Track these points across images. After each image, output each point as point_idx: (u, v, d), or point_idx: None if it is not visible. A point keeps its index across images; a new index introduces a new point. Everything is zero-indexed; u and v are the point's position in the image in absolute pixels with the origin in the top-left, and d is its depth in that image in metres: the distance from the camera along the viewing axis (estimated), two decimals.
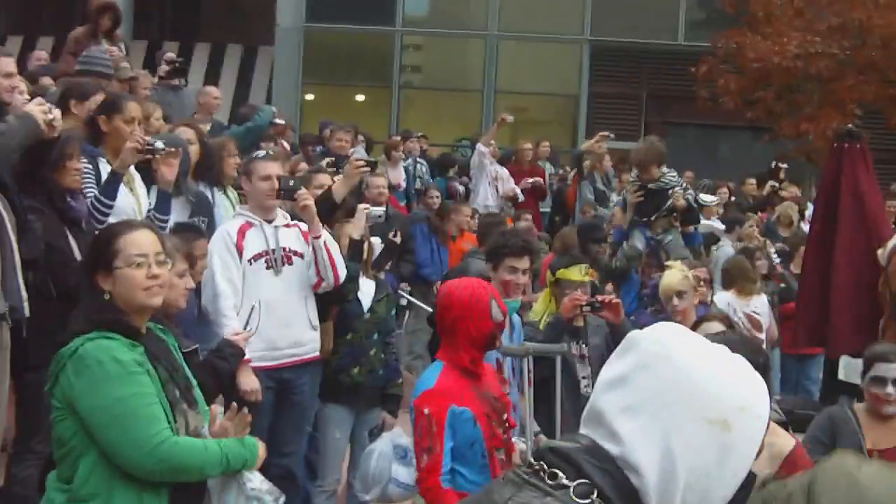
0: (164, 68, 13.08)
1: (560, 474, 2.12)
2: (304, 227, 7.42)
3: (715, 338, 5.05)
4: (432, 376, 5.43)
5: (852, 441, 5.57)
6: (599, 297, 7.41)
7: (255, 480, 5.14)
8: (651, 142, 11.46)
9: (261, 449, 4.62)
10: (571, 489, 2.10)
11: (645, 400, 2.15)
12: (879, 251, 8.78)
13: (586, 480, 2.11)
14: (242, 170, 7.72)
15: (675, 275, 8.06)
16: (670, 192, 10.88)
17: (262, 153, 7.88)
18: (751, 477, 2.18)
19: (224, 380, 6.03)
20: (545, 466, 2.14)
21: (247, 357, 6.76)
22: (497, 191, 15.61)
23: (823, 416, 5.93)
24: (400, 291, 11.15)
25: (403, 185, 15.49)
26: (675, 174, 11.39)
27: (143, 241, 4.39)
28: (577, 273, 7.66)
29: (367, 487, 6.89)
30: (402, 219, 12.16)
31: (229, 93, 23.82)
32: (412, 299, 11.52)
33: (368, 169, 8.50)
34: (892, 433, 5.63)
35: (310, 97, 25.83)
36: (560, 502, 2.10)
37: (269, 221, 7.34)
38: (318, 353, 7.46)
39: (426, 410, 5.24)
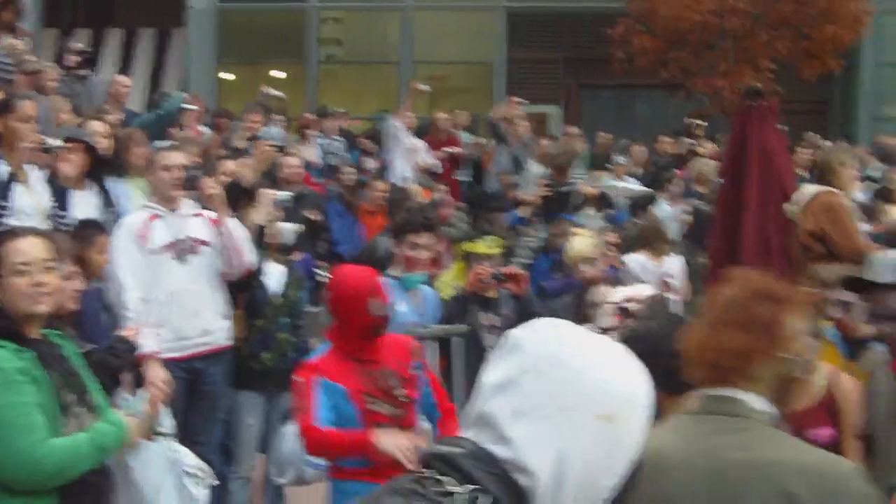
0: (72, 59, 12.98)
1: (446, 481, 2.10)
2: (210, 215, 7.42)
3: (646, 300, 5.10)
4: (317, 353, 5.58)
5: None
6: (503, 270, 7.48)
7: (191, 460, 5.28)
8: (568, 146, 11.48)
9: (131, 421, 4.69)
10: (460, 496, 2.08)
11: (536, 403, 2.15)
12: (792, 200, 8.92)
13: (474, 486, 2.09)
14: (147, 161, 7.69)
15: (583, 241, 8.10)
16: (573, 193, 10.97)
17: (164, 144, 7.83)
18: (636, 464, 2.21)
19: (116, 376, 6.03)
20: (431, 474, 2.12)
21: (154, 350, 6.78)
22: (414, 163, 15.62)
23: None
24: (316, 270, 11.16)
25: (320, 162, 15.43)
26: (583, 173, 11.56)
27: (27, 249, 4.38)
28: (485, 245, 7.72)
29: (283, 471, 6.93)
30: (317, 197, 12.16)
31: (145, 78, 23.61)
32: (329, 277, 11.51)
33: (277, 153, 8.51)
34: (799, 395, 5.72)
35: (227, 76, 25.63)
36: None
37: (175, 211, 7.32)
38: (229, 342, 7.46)
39: (300, 379, 5.39)
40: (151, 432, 5.54)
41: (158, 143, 8.16)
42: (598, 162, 17.48)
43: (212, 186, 7.26)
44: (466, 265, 7.77)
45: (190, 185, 7.34)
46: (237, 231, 7.32)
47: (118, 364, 5.89)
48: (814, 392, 5.67)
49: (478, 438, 2.16)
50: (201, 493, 5.87)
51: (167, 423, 5.80)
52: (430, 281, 7.71)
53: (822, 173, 8.83)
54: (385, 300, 5.50)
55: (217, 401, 7.51)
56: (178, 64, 24.45)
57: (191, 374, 7.20)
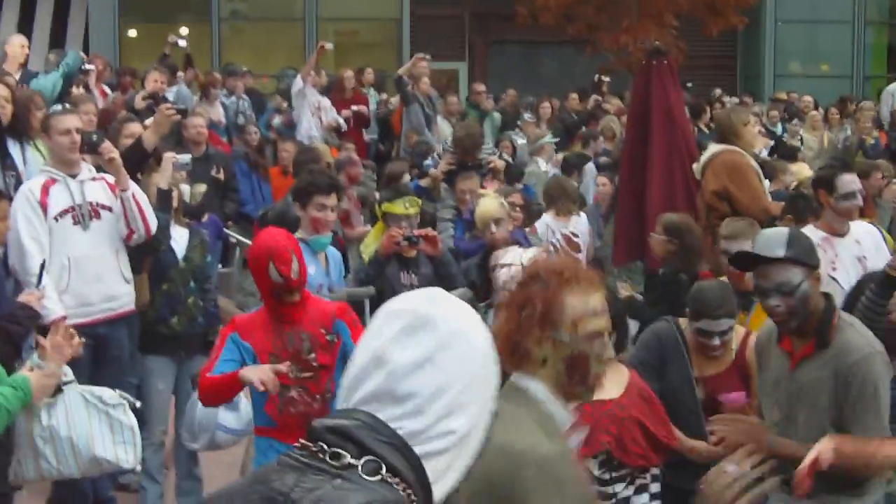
0: None
1: (343, 453, 2.10)
2: (111, 179, 7.31)
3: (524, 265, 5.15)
4: (250, 310, 5.80)
5: (681, 366, 5.69)
6: (416, 231, 7.50)
7: (107, 393, 5.29)
8: (471, 128, 11.42)
9: (34, 376, 4.69)
10: (360, 467, 2.09)
11: (452, 378, 2.20)
12: (695, 165, 9.00)
13: (373, 457, 2.10)
14: (42, 125, 7.52)
15: (491, 202, 8.08)
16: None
17: (59, 107, 7.68)
18: None
19: (19, 343, 5.95)
20: (325, 447, 2.12)
21: (58, 315, 6.71)
22: (321, 121, 15.53)
23: (651, 336, 5.91)
24: (225, 230, 11.09)
25: (224, 121, 15.25)
26: (490, 148, 11.56)
27: None
28: (402, 206, 7.72)
29: (195, 436, 6.91)
30: (223, 157, 12.03)
31: (45, 38, 23.17)
32: (239, 237, 11.45)
33: (178, 116, 8.37)
34: (712, 362, 5.76)
35: (130, 33, 25.27)
36: (351, 483, 2.07)
37: (74, 176, 7.21)
38: (132, 307, 7.39)
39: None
40: (58, 387, 5.53)
41: (54, 107, 7.97)
42: (505, 120, 17.55)
43: (111, 150, 7.15)
44: (385, 225, 7.75)
45: (91, 148, 7.21)
46: (138, 196, 7.22)
47: (20, 331, 5.81)
48: (728, 356, 5.77)
49: (380, 412, 2.17)
50: (130, 417, 6.01)
51: (69, 372, 5.80)
52: (335, 241, 7.70)
53: (724, 133, 8.90)
54: (287, 265, 5.45)
55: (124, 365, 7.44)
56: (79, 21, 24.02)
57: (96, 339, 7.08)
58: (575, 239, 10.35)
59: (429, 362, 2.20)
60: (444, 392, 2.18)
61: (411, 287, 7.55)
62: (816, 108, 18.73)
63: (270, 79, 23.18)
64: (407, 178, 11.32)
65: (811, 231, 7.03)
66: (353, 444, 2.11)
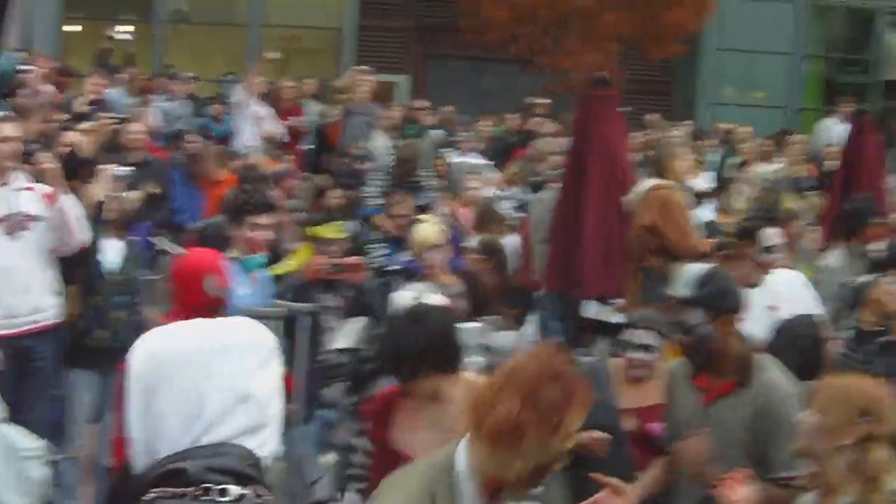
0: None
1: (231, 488, 2.21)
2: (42, 189, 7.26)
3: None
4: None
5: (601, 394, 5.75)
6: (344, 260, 7.55)
7: (26, 441, 5.21)
8: (417, 149, 11.47)
9: None
10: (249, 497, 2.22)
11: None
12: (631, 193, 9.09)
13: (258, 485, 2.26)
14: None
15: (429, 228, 8.00)
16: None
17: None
18: None
19: None
20: (211, 486, 2.21)
21: None
22: (260, 131, 15.48)
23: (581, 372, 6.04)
24: (157, 240, 11.03)
25: (157, 127, 15.13)
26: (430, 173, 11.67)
27: None
28: (331, 231, 7.75)
29: None
30: (160, 165, 11.99)
31: None
32: (171, 247, 11.39)
33: (117, 126, 8.33)
34: (645, 393, 5.86)
35: (73, 29, 25.04)
36: None
37: (6, 185, 7.15)
38: (59, 319, 7.34)
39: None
40: None
41: None
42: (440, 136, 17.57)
43: (47, 160, 7.10)
44: (312, 248, 7.78)
45: (25, 157, 7.17)
46: (71, 207, 7.18)
47: None
48: (648, 391, 5.86)
49: (247, 443, 2.32)
50: (41, 472, 5.83)
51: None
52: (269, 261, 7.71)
53: (656, 166, 8.98)
54: (223, 282, 5.49)
55: (48, 378, 7.39)
56: (20, 17, 23.75)
57: (20, 351, 7.06)
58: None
59: (278, 389, 2.40)
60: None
61: (335, 309, 7.62)
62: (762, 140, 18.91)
63: (211, 83, 23.09)
64: (338, 192, 11.34)
65: None
66: (230, 476, 2.23)
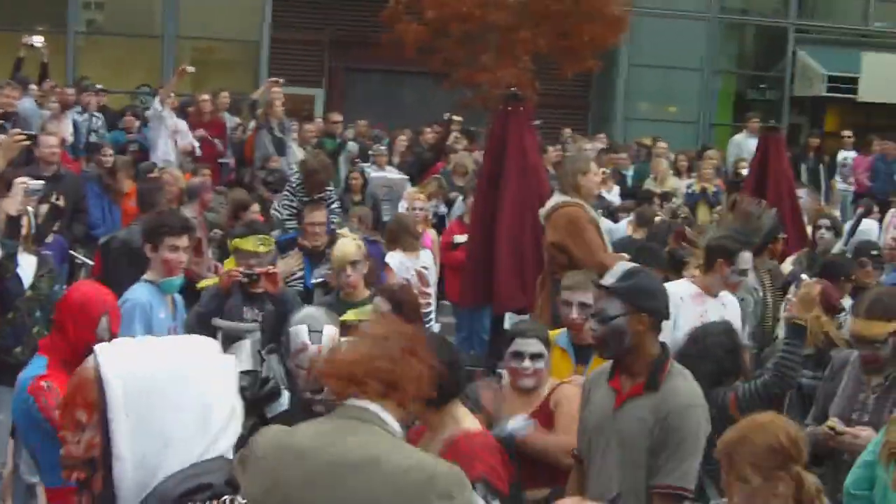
0: None
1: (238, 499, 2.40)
2: None
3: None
4: (35, 370, 5.38)
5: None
6: (257, 269, 7.54)
7: None
8: (325, 162, 11.47)
9: None
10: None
11: None
12: (541, 210, 9.18)
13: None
14: None
15: (348, 244, 8.01)
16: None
17: None
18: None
19: None
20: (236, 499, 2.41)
21: None
22: (176, 144, 15.41)
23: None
24: (72, 253, 10.95)
25: (70, 139, 15.00)
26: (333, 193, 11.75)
27: None
28: (252, 243, 7.76)
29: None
30: (74, 178, 11.89)
31: None
32: (85, 260, 11.31)
33: (28, 142, 8.23)
34: (523, 405, 5.90)
35: None
36: None
37: None
38: None
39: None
40: None
41: None
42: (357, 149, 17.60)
43: None
44: (235, 261, 7.79)
45: None
46: None
47: None
48: (534, 402, 5.92)
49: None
50: None
51: None
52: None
53: (564, 181, 9.05)
54: (118, 325, 5.45)
55: None
56: None
57: None
58: (424, 272, 10.45)
59: None
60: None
61: (254, 322, 7.62)
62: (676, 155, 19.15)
63: (125, 95, 22.94)
64: (256, 207, 11.30)
65: (685, 284, 7.45)
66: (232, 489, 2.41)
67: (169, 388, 2.44)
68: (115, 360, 2.50)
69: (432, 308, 10.50)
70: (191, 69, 16.26)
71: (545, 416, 5.81)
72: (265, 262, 7.76)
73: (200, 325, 7.29)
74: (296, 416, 5.28)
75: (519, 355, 5.87)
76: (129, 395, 2.43)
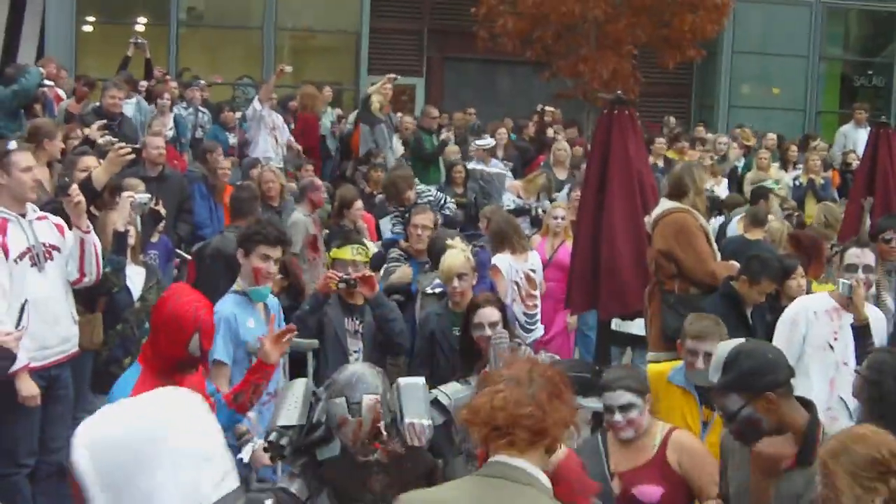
0: None
1: None
2: (54, 219, 7.22)
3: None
4: (127, 384, 5.38)
5: (596, 463, 5.59)
6: (354, 274, 7.50)
7: None
8: (396, 175, 11.38)
9: None
10: None
11: None
12: (646, 218, 9.05)
13: None
14: None
15: (456, 256, 7.92)
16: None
17: (13, 144, 7.40)
18: None
19: None
20: None
21: (26, 362, 6.68)
22: (276, 140, 15.48)
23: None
24: (178, 252, 11.02)
25: (170, 134, 15.11)
26: (430, 190, 11.63)
27: None
28: (349, 252, 7.74)
29: None
30: (179, 178, 11.96)
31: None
32: (188, 257, 11.34)
33: (132, 156, 8.21)
34: (631, 456, 5.75)
35: (87, 31, 25.00)
36: None
37: (24, 215, 7.04)
38: (78, 347, 7.34)
39: None
40: None
41: (10, 143, 7.70)
42: (457, 140, 17.52)
43: (78, 194, 7.03)
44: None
45: (60, 190, 7.12)
46: (90, 243, 7.15)
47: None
48: (648, 452, 5.77)
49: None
50: None
51: None
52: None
53: (675, 189, 8.90)
54: (212, 340, 5.45)
55: (71, 404, 7.39)
56: (36, 15, 23.73)
57: (48, 381, 7.06)
58: (533, 276, 10.35)
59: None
60: None
61: (355, 333, 7.60)
62: (782, 144, 18.78)
63: (226, 86, 23.11)
64: (360, 204, 11.27)
65: (821, 298, 7.25)
66: None
67: (145, 449, 2.39)
68: (84, 429, 2.45)
69: (538, 311, 10.38)
70: (289, 69, 16.34)
71: (662, 469, 5.65)
72: (361, 271, 7.74)
73: (300, 326, 7.25)
74: (346, 464, 5.24)
75: (609, 409, 5.74)
76: (100, 464, 2.38)
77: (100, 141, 10.32)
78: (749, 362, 4.58)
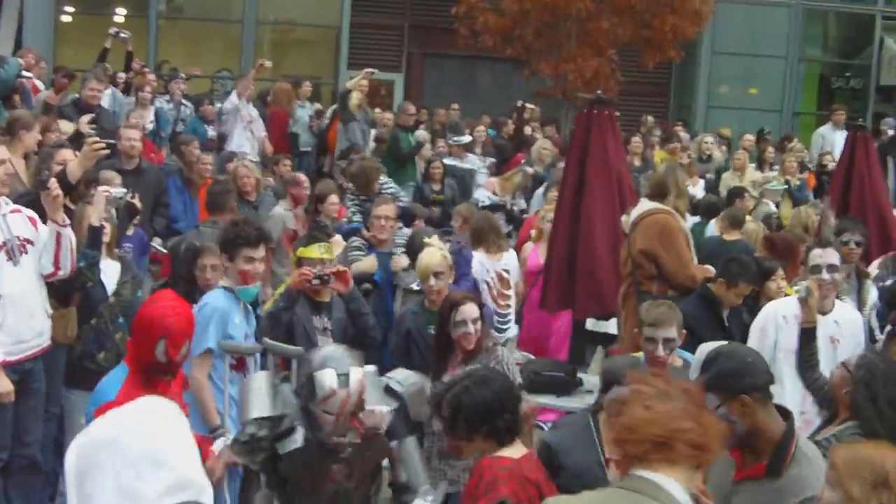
0: None
1: None
2: (28, 212, 7.22)
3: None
4: (114, 384, 5.42)
5: (589, 451, 5.57)
6: (328, 270, 7.50)
7: None
8: (364, 166, 11.46)
9: None
10: None
11: None
12: (623, 217, 9.04)
13: None
14: None
15: (433, 254, 7.93)
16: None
17: None
18: None
19: None
20: None
21: (2, 358, 6.69)
22: (252, 134, 15.46)
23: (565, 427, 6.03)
24: (153, 245, 10.99)
25: (150, 127, 15.07)
26: (391, 184, 11.73)
27: None
28: (316, 251, 7.73)
29: None
30: (155, 171, 11.91)
31: None
32: (162, 250, 11.32)
33: (107, 151, 8.17)
34: None
35: (65, 21, 24.89)
36: None
37: None
38: (51, 342, 7.34)
39: None
40: None
41: None
42: (436, 136, 17.52)
43: (56, 188, 7.01)
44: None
45: (39, 183, 7.09)
46: (65, 236, 7.13)
47: None
48: None
49: None
50: None
51: None
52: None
53: (658, 190, 8.90)
54: (178, 349, 5.43)
55: (43, 398, 7.38)
56: (13, 5, 23.60)
57: (21, 375, 7.04)
58: (506, 276, 10.34)
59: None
60: None
61: (324, 331, 7.59)
62: (759, 142, 18.86)
63: (205, 79, 23.03)
64: (335, 198, 11.27)
65: (789, 303, 7.29)
66: None
67: (100, 452, 2.52)
68: (80, 433, 2.65)
69: (511, 311, 10.37)
70: (268, 64, 16.30)
71: None
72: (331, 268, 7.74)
73: (273, 323, 7.32)
74: (309, 455, 5.28)
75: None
76: (73, 466, 2.55)
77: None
78: (728, 363, 4.60)
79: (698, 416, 3.44)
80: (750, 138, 18.93)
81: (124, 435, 2.55)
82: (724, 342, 4.99)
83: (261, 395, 5.37)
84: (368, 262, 9.42)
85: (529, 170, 15.42)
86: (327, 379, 5.14)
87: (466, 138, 16.74)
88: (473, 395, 5.03)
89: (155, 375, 5.35)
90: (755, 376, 4.59)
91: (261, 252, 6.91)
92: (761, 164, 17.47)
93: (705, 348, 4.79)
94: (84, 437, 2.63)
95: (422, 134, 16.97)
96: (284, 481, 5.38)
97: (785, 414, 4.69)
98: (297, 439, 5.27)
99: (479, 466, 4.87)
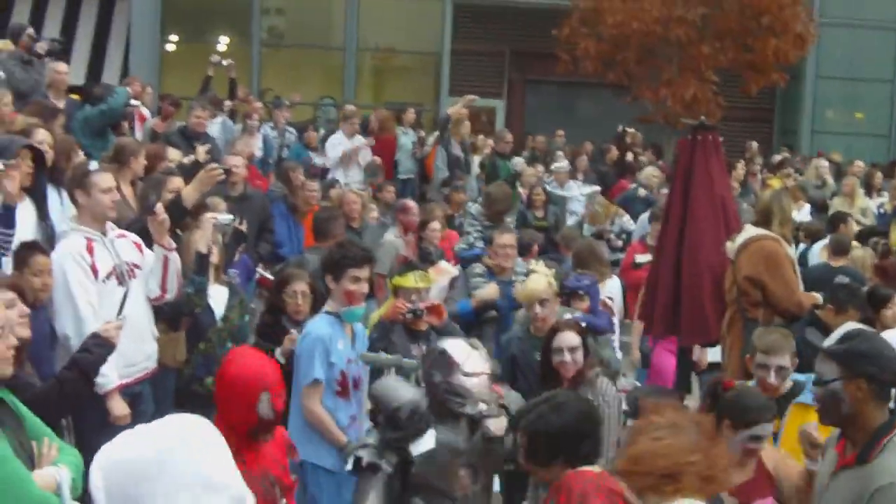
0: (42, 46, 12.86)
1: None
2: (133, 237, 7.32)
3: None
4: None
5: None
6: (421, 304, 7.52)
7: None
8: (503, 191, 11.50)
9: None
10: None
11: None
12: (728, 244, 8.94)
13: None
14: (76, 181, 7.18)
15: (539, 280, 7.93)
16: None
17: (93, 165, 7.49)
18: None
19: (90, 373, 5.86)
20: None
21: (118, 382, 6.77)
22: (358, 165, 15.60)
23: None
24: (259, 270, 11.08)
25: (259, 154, 15.26)
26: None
27: None
28: (412, 280, 7.75)
29: None
30: (260, 198, 12.03)
31: (86, 53, 23.27)
32: (268, 275, 11.41)
33: (223, 176, 8.27)
34: (744, 469, 5.64)
35: (170, 48, 25.31)
36: None
37: (104, 234, 7.12)
38: (158, 365, 7.44)
39: None
40: None
41: (92, 163, 7.83)
42: (536, 162, 17.50)
43: (163, 213, 7.11)
44: (395, 298, 7.81)
45: (146, 208, 7.21)
46: (171, 261, 7.23)
47: (89, 359, 5.76)
48: (753, 464, 5.71)
49: None
50: None
51: None
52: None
53: (763, 216, 8.79)
54: (282, 398, 5.06)
55: (149, 420, 7.41)
56: (121, 35, 24.06)
57: (131, 397, 7.13)
58: (610, 303, 10.27)
59: None
60: None
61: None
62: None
63: (307, 106, 23.24)
64: (436, 224, 11.28)
65: None
66: None
67: (148, 472, 2.47)
68: (102, 451, 2.58)
69: (616, 335, 10.30)
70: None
71: (768, 476, 5.61)
72: (426, 297, 7.75)
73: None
74: (442, 457, 5.27)
75: (758, 439, 5.69)
76: (110, 484, 2.48)
77: (184, 161, 10.43)
78: (864, 345, 4.56)
79: (708, 449, 3.48)
80: (861, 165, 18.63)
81: (168, 456, 2.54)
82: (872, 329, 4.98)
83: (401, 383, 5.42)
84: (492, 290, 9.37)
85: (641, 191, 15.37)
86: (458, 344, 5.25)
87: (565, 165, 16.69)
88: (549, 422, 4.93)
89: (257, 437, 4.98)
90: (882, 368, 4.52)
91: (366, 272, 6.92)
92: (869, 189, 17.21)
93: (853, 325, 4.79)
94: (112, 455, 2.59)
95: (520, 161, 16.98)
96: (416, 487, 5.32)
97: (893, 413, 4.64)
98: (429, 441, 5.25)
99: (566, 481, 4.77)
